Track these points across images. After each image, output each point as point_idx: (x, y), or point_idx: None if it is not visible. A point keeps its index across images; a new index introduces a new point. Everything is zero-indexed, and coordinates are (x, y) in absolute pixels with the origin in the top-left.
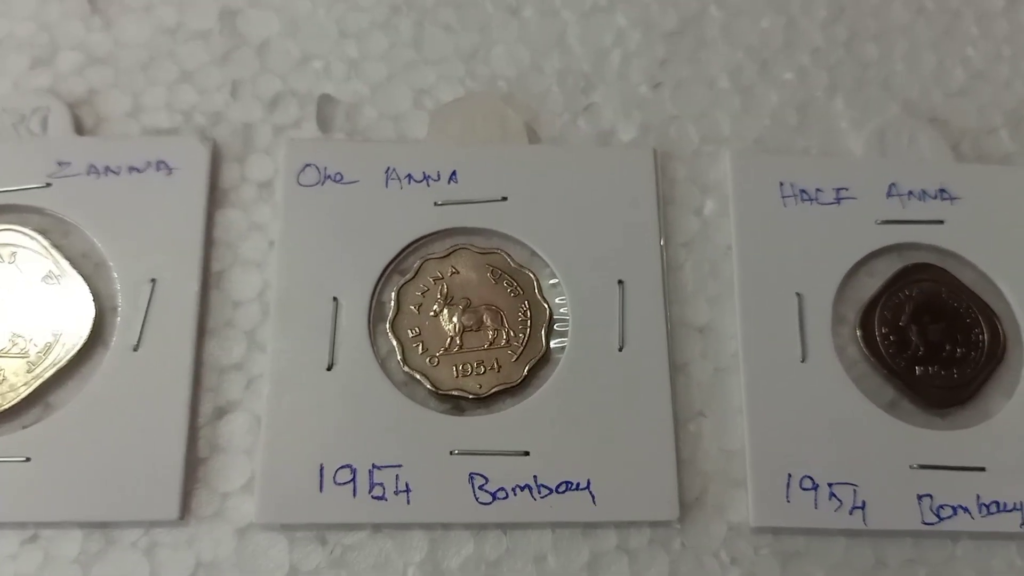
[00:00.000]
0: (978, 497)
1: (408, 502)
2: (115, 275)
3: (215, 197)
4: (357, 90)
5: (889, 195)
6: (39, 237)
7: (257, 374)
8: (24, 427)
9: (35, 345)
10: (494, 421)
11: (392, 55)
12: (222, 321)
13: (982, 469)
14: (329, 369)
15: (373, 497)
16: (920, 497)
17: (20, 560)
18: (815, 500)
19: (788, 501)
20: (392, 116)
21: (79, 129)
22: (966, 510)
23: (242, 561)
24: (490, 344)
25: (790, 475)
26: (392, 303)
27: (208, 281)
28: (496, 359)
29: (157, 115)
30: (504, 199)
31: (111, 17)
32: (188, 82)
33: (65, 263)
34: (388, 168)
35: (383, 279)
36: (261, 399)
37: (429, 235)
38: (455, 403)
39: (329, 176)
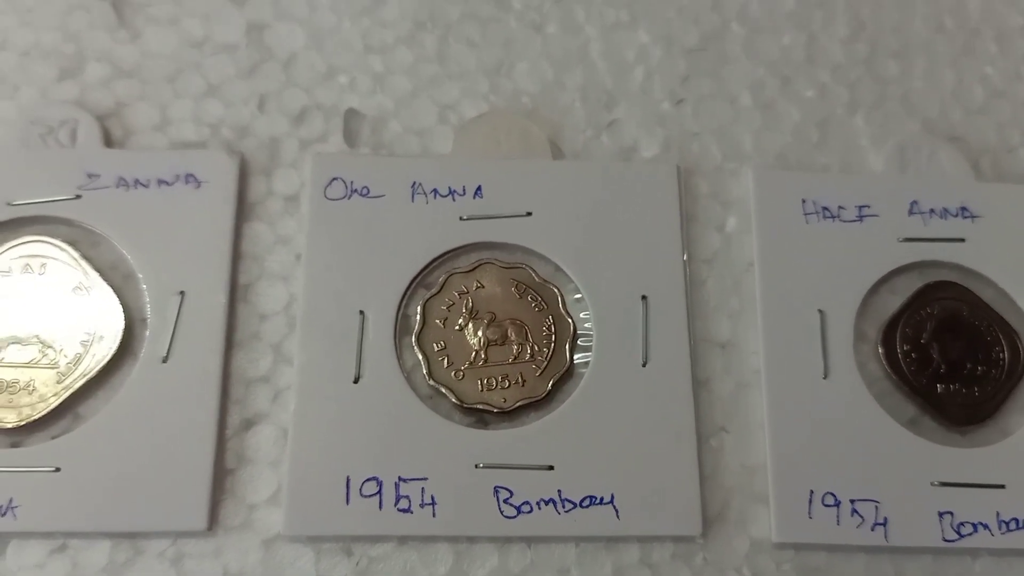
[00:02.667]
0: (998, 514)
1: (434, 515)
2: (144, 287)
3: (242, 210)
4: (382, 104)
5: (911, 213)
6: (69, 248)
7: (284, 386)
8: (53, 437)
9: (65, 356)
10: (519, 435)
11: (417, 70)
12: (249, 334)
13: (1002, 487)
14: (356, 382)
15: (399, 510)
16: (941, 514)
17: (48, 570)
18: (837, 516)
19: (810, 517)
20: (417, 131)
21: (107, 141)
22: (986, 527)
23: (268, 572)
24: (515, 358)
25: (812, 491)
26: (418, 317)
27: (235, 294)
28: (520, 373)
29: (184, 128)
30: (529, 214)
31: (138, 29)
32: (215, 95)
33: (95, 274)
34: (414, 182)
35: (409, 293)
36: (288, 411)
37: (454, 249)
38: (479, 417)
39: (356, 190)
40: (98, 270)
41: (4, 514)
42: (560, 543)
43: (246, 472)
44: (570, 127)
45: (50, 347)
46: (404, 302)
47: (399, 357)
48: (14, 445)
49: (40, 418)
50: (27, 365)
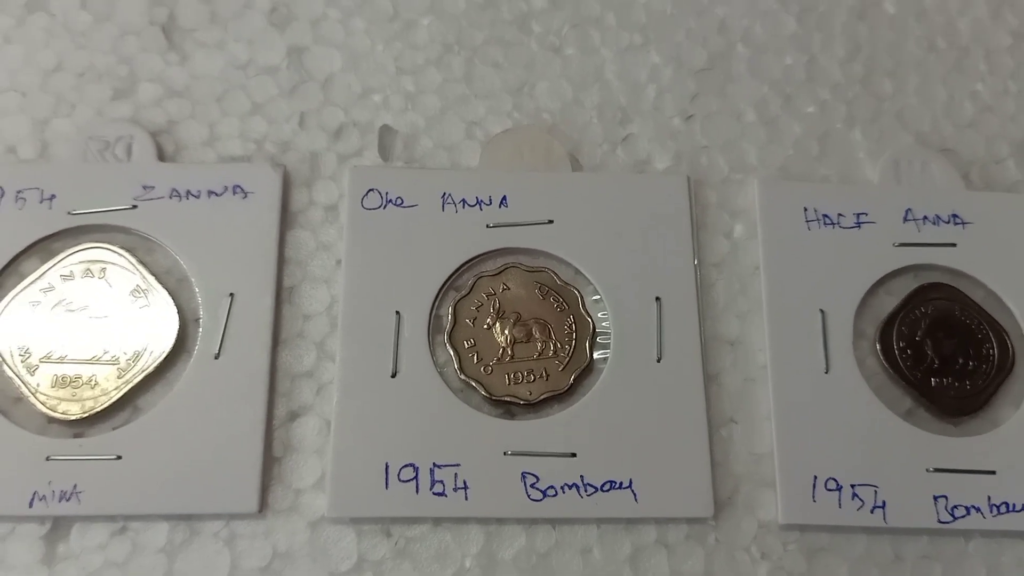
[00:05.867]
0: (989, 498)
1: (466, 498)
2: (196, 290)
3: (285, 219)
4: (413, 121)
5: (905, 220)
6: (126, 254)
7: (326, 381)
8: (114, 428)
9: (125, 353)
10: (543, 425)
11: (445, 89)
12: (294, 332)
13: (992, 472)
14: (393, 376)
15: (434, 493)
16: (936, 498)
17: (110, 550)
18: (839, 500)
19: (814, 501)
20: (446, 146)
21: (160, 156)
22: (978, 510)
23: (315, 551)
24: (539, 355)
25: (816, 477)
26: (449, 316)
27: (280, 296)
28: (544, 368)
29: (231, 143)
30: (550, 222)
31: (186, 52)
32: (259, 113)
33: (151, 278)
34: (444, 193)
35: (440, 295)
36: (330, 404)
37: (482, 255)
38: (507, 408)
39: (390, 200)
40: (154, 274)
41: (68, 499)
42: (583, 524)
43: (292, 460)
44: (588, 142)
45: (111, 345)
46: (436, 303)
47: (432, 354)
48: (77, 436)
49: (102, 410)
50: (90, 361)
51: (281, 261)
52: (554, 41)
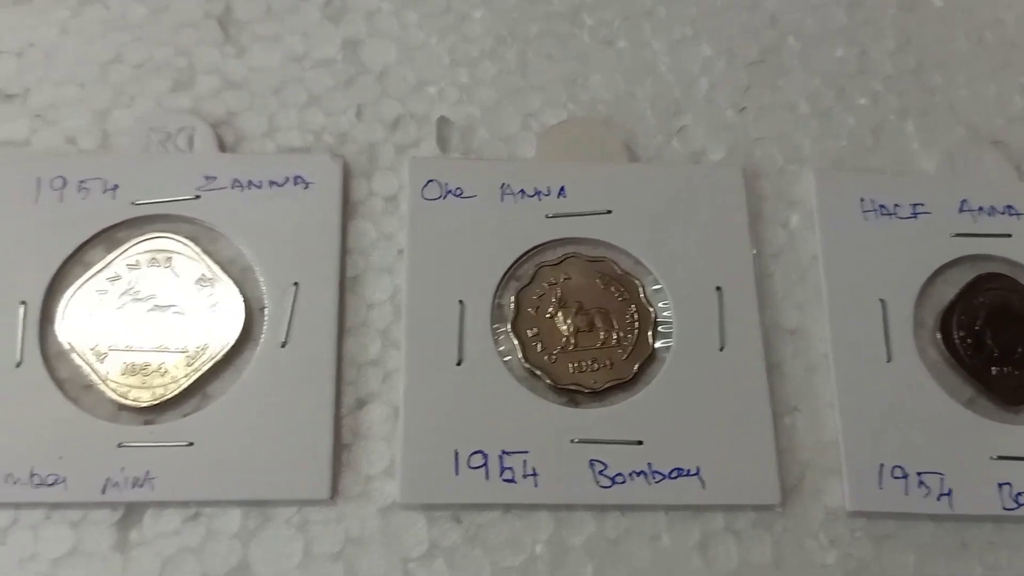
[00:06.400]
0: None
1: (536, 485)
2: (261, 279)
3: (346, 209)
4: (470, 113)
5: (961, 210)
6: (191, 244)
7: (392, 369)
8: (184, 415)
9: (193, 341)
10: (609, 413)
11: (500, 81)
12: (358, 321)
13: None
14: (459, 364)
15: (504, 480)
16: (1000, 485)
17: (184, 536)
18: (905, 487)
19: (880, 488)
20: (502, 137)
21: (221, 147)
22: None
23: (387, 537)
24: (602, 344)
25: (882, 464)
26: (511, 306)
27: (343, 285)
28: (608, 358)
29: (290, 135)
30: (609, 212)
31: (243, 45)
32: (316, 105)
33: (216, 267)
34: (503, 184)
35: (502, 284)
36: (396, 391)
37: (542, 244)
38: (571, 396)
39: (450, 191)
40: (218, 264)
41: (141, 485)
42: (651, 511)
43: (361, 446)
44: (642, 133)
45: (180, 333)
46: (498, 292)
47: (496, 342)
48: (147, 423)
49: (172, 398)
50: (158, 350)
51: (343, 250)
52: (606, 34)
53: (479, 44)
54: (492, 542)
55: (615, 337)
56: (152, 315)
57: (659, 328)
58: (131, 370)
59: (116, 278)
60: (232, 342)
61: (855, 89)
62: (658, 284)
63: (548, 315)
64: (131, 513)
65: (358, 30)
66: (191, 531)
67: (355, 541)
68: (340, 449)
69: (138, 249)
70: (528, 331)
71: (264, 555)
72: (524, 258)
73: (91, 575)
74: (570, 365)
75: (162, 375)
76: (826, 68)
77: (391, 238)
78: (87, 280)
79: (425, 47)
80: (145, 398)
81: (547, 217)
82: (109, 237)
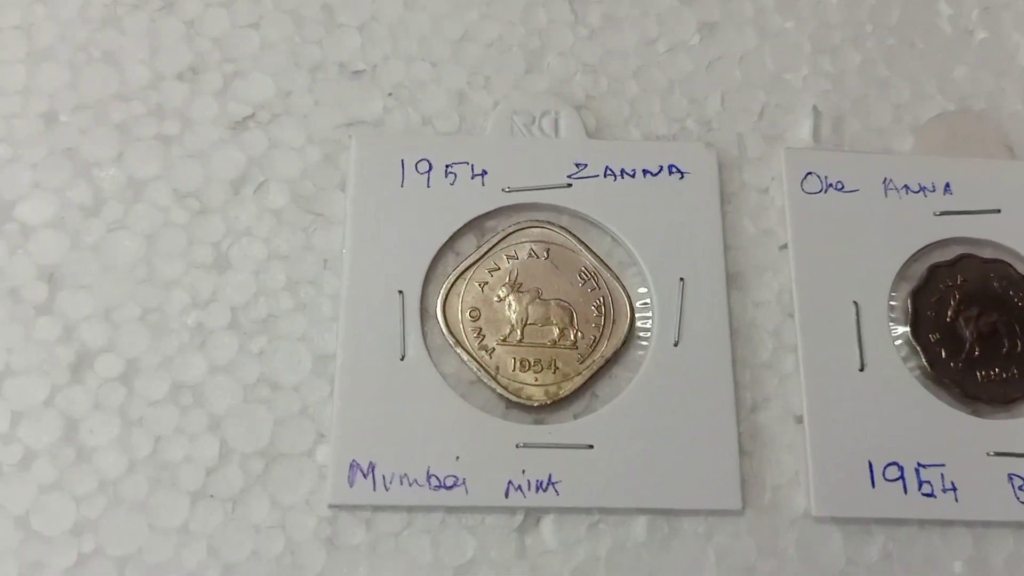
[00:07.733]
0: None
1: (956, 500)
2: (645, 273)
3: (721, 201)
4: (837, 103)
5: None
6: (568, 235)
7: (787, 372)
8: (575, 416)
9: (583, 337)
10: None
11: (865, 71)
12: (745, 321)
13: None
14: (861, 370)
15: (923, 494)
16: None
17: (588, 544)
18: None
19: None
20: (875, 129)
21: (586, 132)
22: None
23: (800, 552)
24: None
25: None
26: (909, 309)
27: (727, 282)
28: (1015, 367)
29: (653, 121)
30: (998, 211)
31: (593, 26)
32: (676, 91)
33: (595, 260)
34: (885, 179)
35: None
36: (792, 396)
37: (931, 244)
38: (974, 407)
39: (830, 184)
40: (596, 255)
41: (545, 489)
42: None
43: (762, 454)
44: (1015, 129)
45: (569, 328)
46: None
47: (896, 347)
48: (537, 423)
49: (564, 397)
50: (547, 345)
51: (724, 246)
52: (966, 24)
53: (841, 31)
54: (911, 560)
55: (1020, 345)
56: (537, 309)
57: None
58: (522, 366)
59: (495, 269)
60: (622, 339)
61: None
62: None
63: (948, 319)
64: (528, 518)
65: (712, 13)
66: (596, 539)
67: (767, 555)
68: (741, 456)
69: (515, 239)
70: (930, 336)
71: (674, 567)
72: (913, 258)
73: None
74: (977, 373)
75: (554, 372)
76: None
77: (770, 234)
78: (465, 270)
79: (783, 32)
80: (539, 396)
81: (935, 215)
82: (478, 225)
